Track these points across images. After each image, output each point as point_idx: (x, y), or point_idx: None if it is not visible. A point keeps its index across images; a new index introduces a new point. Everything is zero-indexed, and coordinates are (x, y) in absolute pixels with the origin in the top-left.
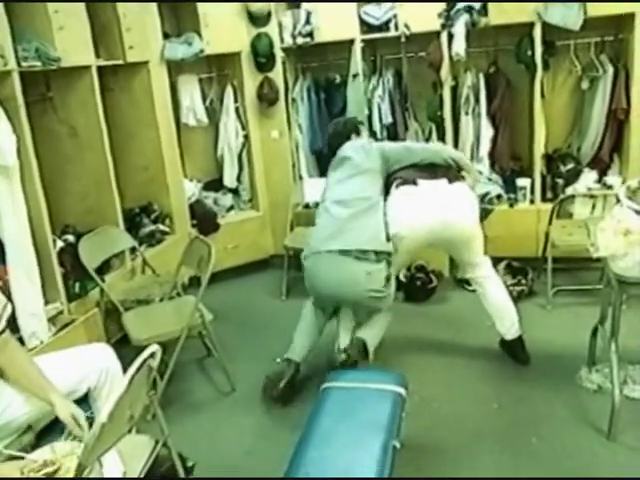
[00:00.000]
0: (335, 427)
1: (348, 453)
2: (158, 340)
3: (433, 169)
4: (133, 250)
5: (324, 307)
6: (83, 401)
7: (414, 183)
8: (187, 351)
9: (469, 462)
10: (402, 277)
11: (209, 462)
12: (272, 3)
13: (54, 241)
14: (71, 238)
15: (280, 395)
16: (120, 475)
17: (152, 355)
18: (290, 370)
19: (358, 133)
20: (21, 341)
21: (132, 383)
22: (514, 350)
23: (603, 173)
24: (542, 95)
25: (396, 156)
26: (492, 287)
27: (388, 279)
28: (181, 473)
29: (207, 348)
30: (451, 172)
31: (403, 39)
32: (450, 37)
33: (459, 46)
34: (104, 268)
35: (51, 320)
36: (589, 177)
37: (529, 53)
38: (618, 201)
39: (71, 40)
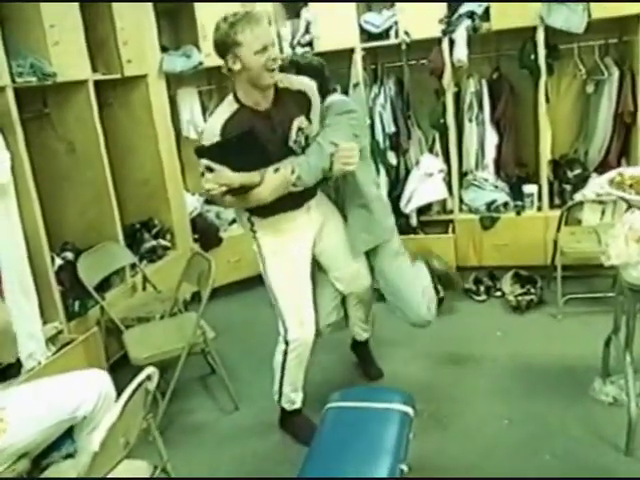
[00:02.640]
0: (339, 451)
1: (354, 477)
2: (159, 359)
3: None
4: (133, 266)
5: None
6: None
7: None
8: (189, 368)
9: None
10: None
11: None
12: (271, 13)
13: (52, 259)
14: (70, 255)
15: None
16: None
17: (149, 377)
18: None
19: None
20: (19, 362)
21: (126, 409)
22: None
23: None
24: (547, 100)
25: None
26: None
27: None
28: None
29: (210, 365)
30: None
31: (404, 47)
32: (451, 43)
33: (461, 52)
34: (104, 285)
35: (50, 340)
36: (597, 183)
37: (532, 57)
38: (629, 207)
39: (67, 55)
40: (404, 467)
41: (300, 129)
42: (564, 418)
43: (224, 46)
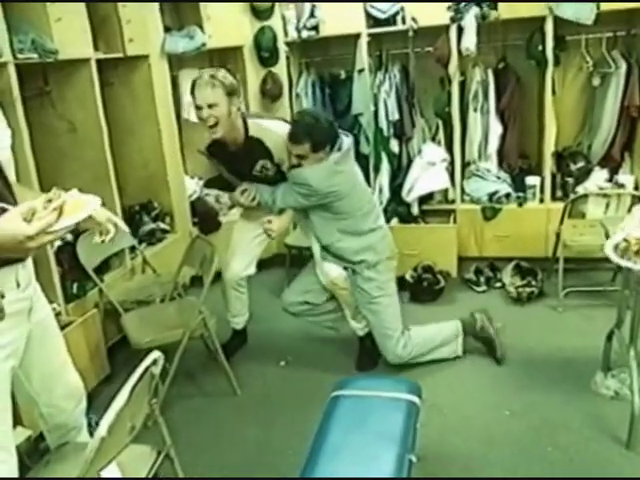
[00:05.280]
0: (346, 439)
1: (361, 467)
2: (159, 343)
3: None
4: (133, 249)
5: None
6: None
7: None
8: (188, 353)
9: (483, 472)
10: (409, 277)
11: (211, 472)
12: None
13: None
14: (69, 237)
15: None
16: None
17: (154, 362)
18: None
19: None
20: None
21: (133, 393)
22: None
23: (614, 172)
24: (553, 92)
25: None
26: None
27: None
28: None
29: (209, 350)
30: None
31: (411, 33)
32: (459, 31)
33: (470, 41)
34: (103, 268)
35: None
36: (600, 176)
37: (540, 48)
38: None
39: (69, 32)
40: (412, 457)
41: (264, 167)
42: (565, 410)
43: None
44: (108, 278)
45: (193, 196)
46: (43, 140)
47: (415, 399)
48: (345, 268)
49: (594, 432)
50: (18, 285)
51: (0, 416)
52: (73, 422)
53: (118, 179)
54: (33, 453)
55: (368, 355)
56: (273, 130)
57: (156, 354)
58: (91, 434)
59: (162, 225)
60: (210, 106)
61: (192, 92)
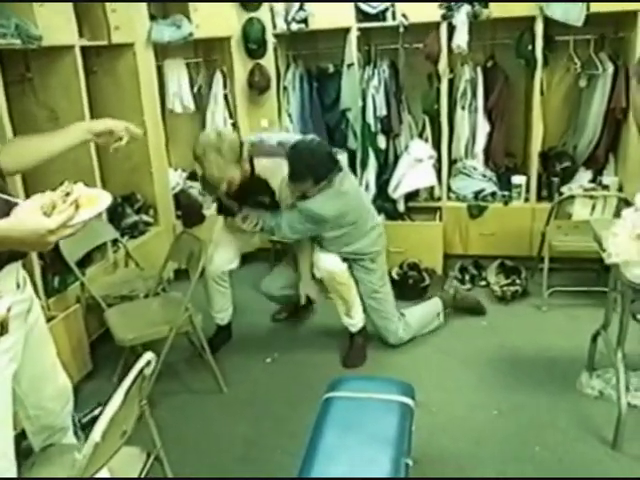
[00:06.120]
0: (341, 442)
1: (357, 470)
2: (144, 340)
3: None
4: (115, 242)
5: None
6: None
7: None
8: (171, 349)
9: (475, 472)
10: (394, 275)
11: (198, 471)
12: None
13: None
14: None
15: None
16: None
17: (148, 363)
18: None
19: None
20: None
21: (127, 397)
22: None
23: (598, 173)
24: (541, 92)
25: None
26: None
27: None
28: None
29: (193, 346)
30: None
31: (402, 29)
32: (450, 28)
33: (461, 39)
34: (85, 261)
35: None
36: (584, 176)
37: (530, 48)
38: (627, 204)
39: (53, 18)
40: (409, 461)
41: (262, 200)
42: (552, 410)
43: None
44: (90, 272)
45: (176, 188)
46: (24, 128)
47: (409, 401)
48: (345, 260)
49: (581, 432)
50: (18, 286)
51: (3, 423)
52: (60, 424)
53: (101, 170)
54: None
55: (358, 352)
56: (279, 173)
57: (149, 355)
58: (75, 434)
59: (145, 218)
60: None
61: (197, 161)
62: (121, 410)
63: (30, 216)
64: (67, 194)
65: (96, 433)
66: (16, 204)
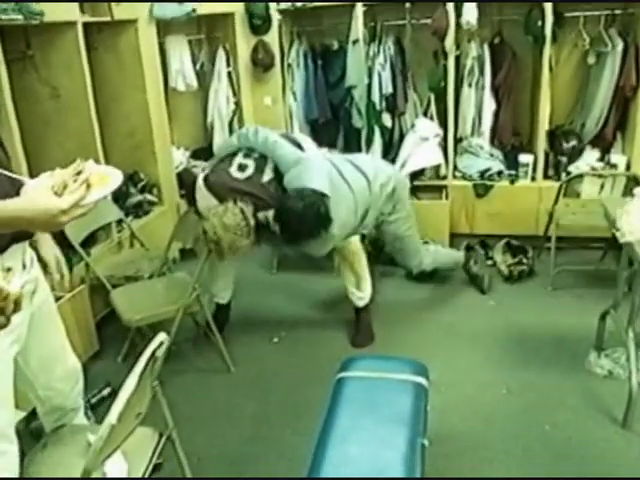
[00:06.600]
0: (355, 423)
1: (373, 451)
2: (152, 321)
3: None
4: (119, 222)
5: None
6: None
7: None
8: (177, 329)
9: (483, 449)
10: None
11: (208, 451)
12: None
13: None
14: None
15: None
16: (124, 473)
17: (160, 344)
18: None
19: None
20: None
21: (142, 378)
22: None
23: (606, 151)
24: (550, 69)
25: None
26: None
27: None
28: (187, 473)
29: (198, 326)
30: None
31: (408, 5)
32: (457, 4)
33: (471, 14)
34: (89, 241)
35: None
36: (591, 155)
37: (539, 24)
38: (637, 182)
39: None
40: (425, 442)
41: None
42: (561, 389)
43: None
44: (95, 252)
45: (179, 167)
46: (26, 106)
47: (423, 381)
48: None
49: (590, 411)
50: (24, 266)
51: (4, 402)
52: (71, 404)
53: (104, 149)
54: (24, 433)
55: (365, 330)
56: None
57: (162, 336)
58: (85, 414)
59: (149, 197)
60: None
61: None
62: (136, 392)
63: (41, 196)
64: (78, 173)
65: (112, 415)
66: (21, 182)
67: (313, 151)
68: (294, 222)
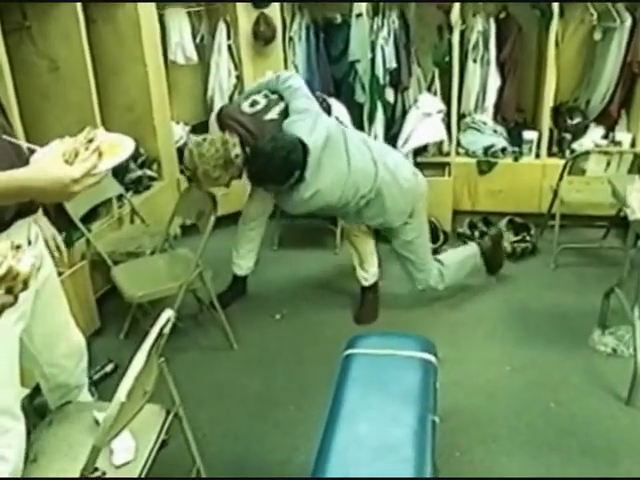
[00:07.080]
0: (364, 399)
1: (382, 429)
2: (154, 297)
3: None
4: (120, 198)
5: None
6: None
7: None
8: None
9: (487, 425)
10: None
11: (213, 428)
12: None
13: None
14: None
15: None
16: (132, 450)
17: (167, 321)
18: None
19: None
20: None
21: (150, 356)
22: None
23: (610, 129)
24: (556, 44)
25: None
26: None
27: None
28: (194, 449)
29: (200, 303)
30: None
31: None
32: None
33: None
34: (90, 217)
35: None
36: (596, 132)
37: None
38: None
39: None
40: (436, 418)
41: None
42: (564, 366)
43: None
44: (95, 228)
45: (179, 142)
46: (24, 79)
47: (431, 357)
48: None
49: (594, 388)
50: (30, 242)
51: (7, 379)
52: (75, 381)
53: (103, 123)
54: (28, 410)
55: (369, 308)
56: None
57: (169, 313)
58: (89, 390)
59: (149, 172)
60: None
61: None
62: (144, 369)
63: (52, 164)
64: (89, 141)
65: (122, 392)
66: (26, 153)
67: (333, 120)
68: (260, 161)
